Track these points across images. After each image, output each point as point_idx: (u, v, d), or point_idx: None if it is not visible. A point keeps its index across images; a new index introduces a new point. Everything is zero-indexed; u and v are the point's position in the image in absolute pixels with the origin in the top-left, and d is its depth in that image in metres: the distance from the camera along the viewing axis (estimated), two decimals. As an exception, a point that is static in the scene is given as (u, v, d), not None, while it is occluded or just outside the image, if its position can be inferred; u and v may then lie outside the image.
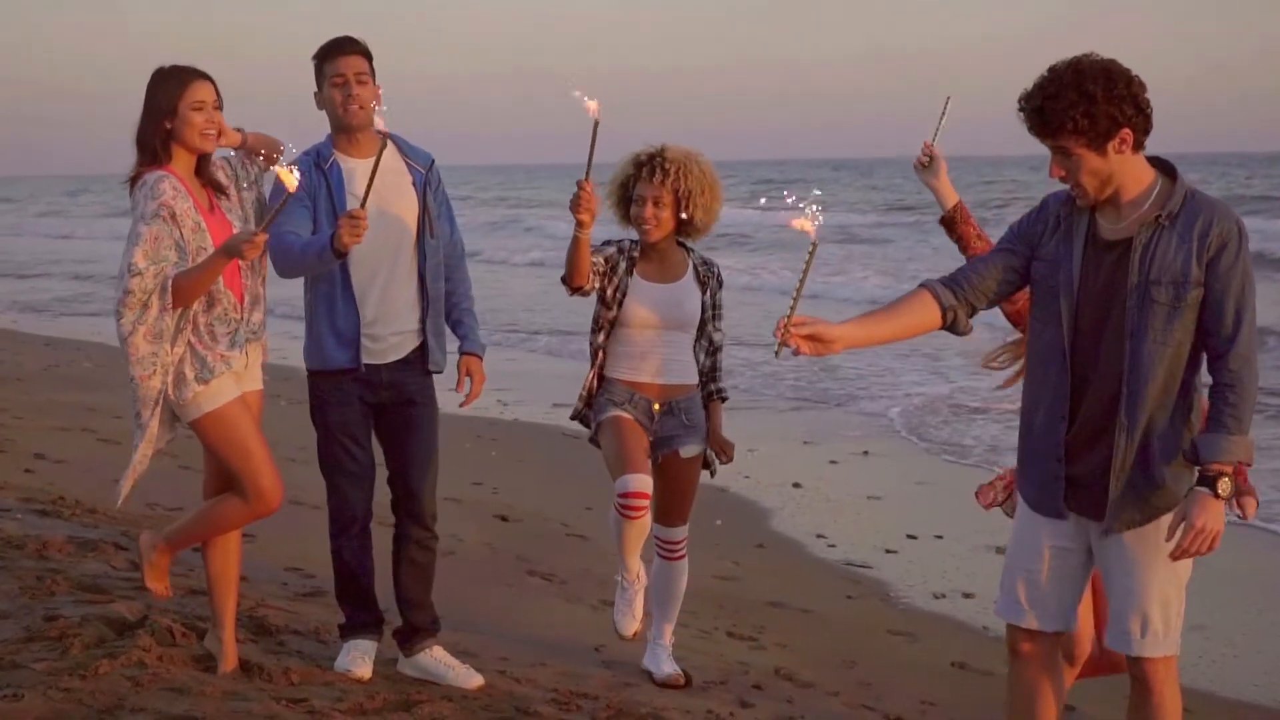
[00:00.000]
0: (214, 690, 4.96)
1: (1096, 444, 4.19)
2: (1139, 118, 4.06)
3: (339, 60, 5.38)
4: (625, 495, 5.63)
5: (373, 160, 5.35)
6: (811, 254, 4.01)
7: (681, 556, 6.07)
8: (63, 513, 7.64)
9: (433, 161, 5.60)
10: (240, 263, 5.09)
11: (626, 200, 5.90)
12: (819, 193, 4.06)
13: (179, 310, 4.97)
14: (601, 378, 5.91)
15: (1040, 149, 4.18)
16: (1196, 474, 4.08)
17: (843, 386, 15.14)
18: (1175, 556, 4.07)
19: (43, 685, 4.78)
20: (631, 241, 5.89)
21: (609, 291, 5.81)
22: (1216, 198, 4.18)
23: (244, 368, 5.16)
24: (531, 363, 17.81)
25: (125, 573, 6.41)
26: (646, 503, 5.66)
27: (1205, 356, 4.14)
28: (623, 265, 5.82)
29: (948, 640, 7.21)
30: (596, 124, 5.09)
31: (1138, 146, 4.10)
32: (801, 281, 4.04)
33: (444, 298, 5.63)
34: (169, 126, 5.01)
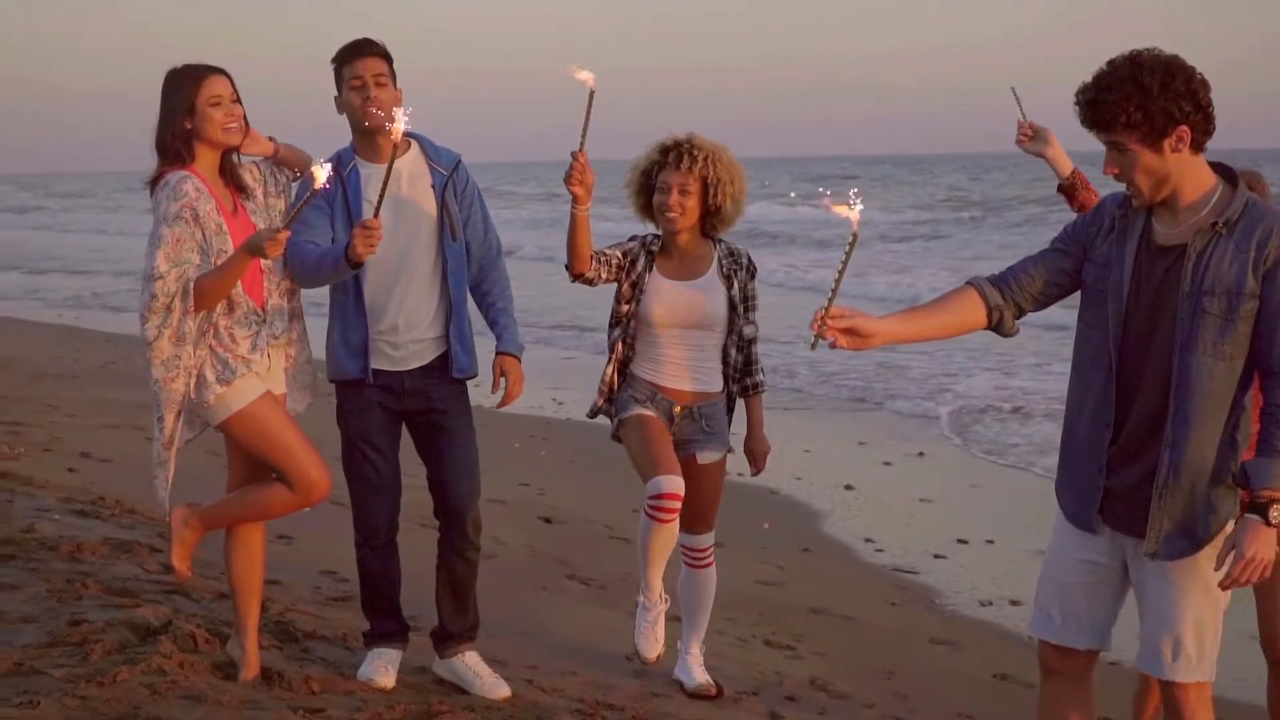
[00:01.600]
0: (231, 699, 4.90)
1: (1139, 457, 4.03)
2: (1198, 116, 3.87)
3: (357, 63, 5.28)
4: (657, 497, 5.52)
5: (399, 161, 5.30)
6: (852, 244, 3.85)
7: (709, 564, 5.90)
8: (101, 513, 7.63)
9: (458, 162, 5.49)
10: (262, 268, 5.03)
11: (648, 189, 5.71)
12: (856, 189, 3.92)
13: (201, 313, 4.90)
14: (624, 372, 5.79)
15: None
16: (1239, 498, 3.91)
17: (901, 386, 14.95)
18: (1225, 586, 3.91)
19: (60, 692, 4.75)
20: (654, 236, 5.74)
21: (624, 286, 5.66)
22: (1275, 208, 3.98)
23: (266, 370, 5.08)
24: (590, 361, 17.71)
25: (156, 575, 6.39)
26: (678, 505, 5.53)
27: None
28: (642, 260, 5.66)
29: (991, 650, 7.06)
30: (592, 93, 4.94)
31: (1197, 147, 3.92)
32: (840, 273, 3.89)
33: (475, 300, 5.54)
34: (189, 125, 4.94)
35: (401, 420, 5.50)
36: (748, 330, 5.76)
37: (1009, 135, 5.35)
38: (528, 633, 6.43)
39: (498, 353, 5.48)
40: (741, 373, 5.82)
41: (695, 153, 5.58)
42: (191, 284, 4.84)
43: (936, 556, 8.85)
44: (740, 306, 5.71)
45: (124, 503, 7.94)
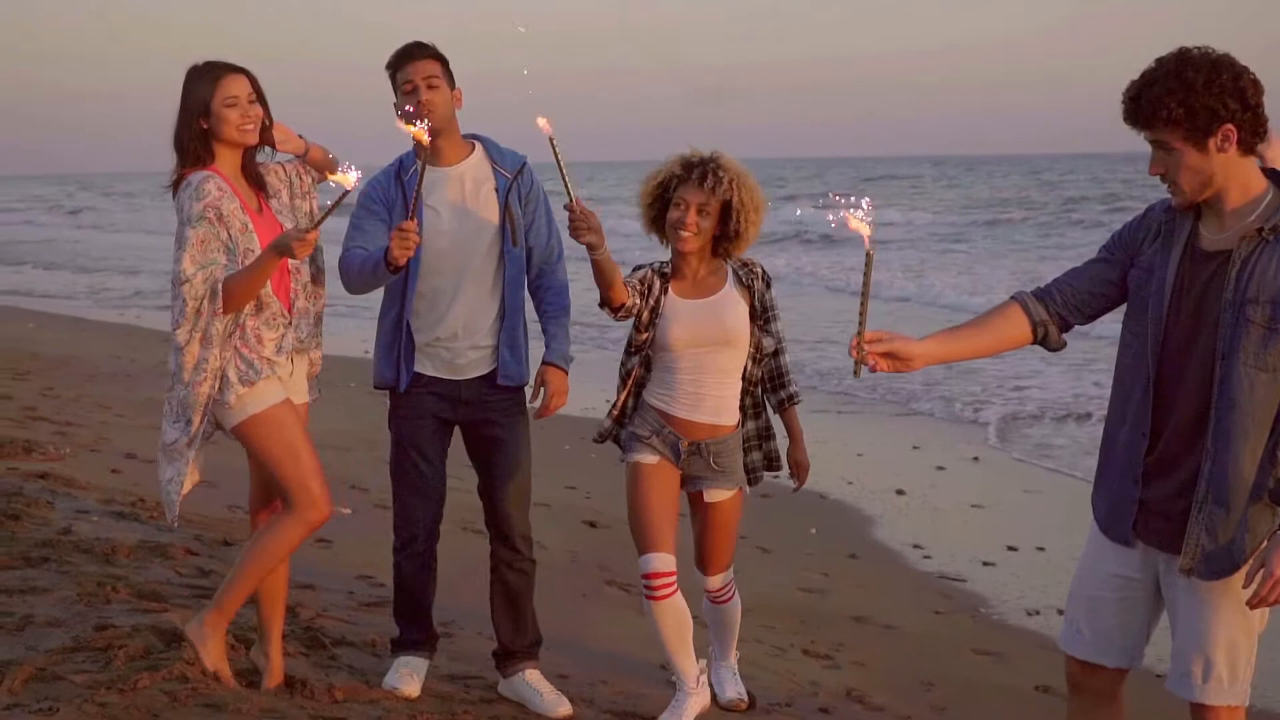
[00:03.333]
0: (251, 708, 4.85)
1: (1175, 470, 3.89)
2: (1245, 115, 3.71)
3: (408, 67, 5.24)
4: (646, 576, 5.30)
5: (458, 167, 5.28)
6: (868, 264, 3.79)
7: (729, 599, 5.73)
8: (140, 515, 7.62)
9: (523, 164, 5.41)
10: (290, 271, 4.98)
11: (663, 202, 5.38)
12: (867, 200, 3.83)
13: (230, 314, 4.83)
14: (638, 398, 5.46)
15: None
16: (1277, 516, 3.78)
17: (958, 389, 14.71)
18: (1253, 605, 3.77)
19: (79, 699, 4.72)
20: (662, 261, 5.46)
21: (644, 314, 5.32)
22: None
23: (289, 375, 5.02)
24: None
25: (190, 579, 6.38)
26: (672, 579, 5.28)
27: None
28: (658, 285, 5.33)
29: (1035, 661, 6.89)
30: (551, 139, 4.78)
31: (1247, 149, 3.77)
32: (864, 295, 3.86)
33: (534, 304, 5.47)
34: (205, 126, 4.87)
35: (453, 427, 5.45)
36: (766, 343, 5.48)
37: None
38: (562, 640, 6.34)
39: (543, 362, 5.42)
40: (774, 386, 5.61)
41: (721, 174, 5.25)
42: (220, 285, 4.77)
43: (985, 564, 8.70)
44: (761, 319, 5.45)
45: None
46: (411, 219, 4.90)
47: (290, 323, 4.99)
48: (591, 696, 5.63)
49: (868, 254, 3.76)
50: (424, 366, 5.37)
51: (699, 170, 5.28)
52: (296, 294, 5.03)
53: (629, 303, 5.23)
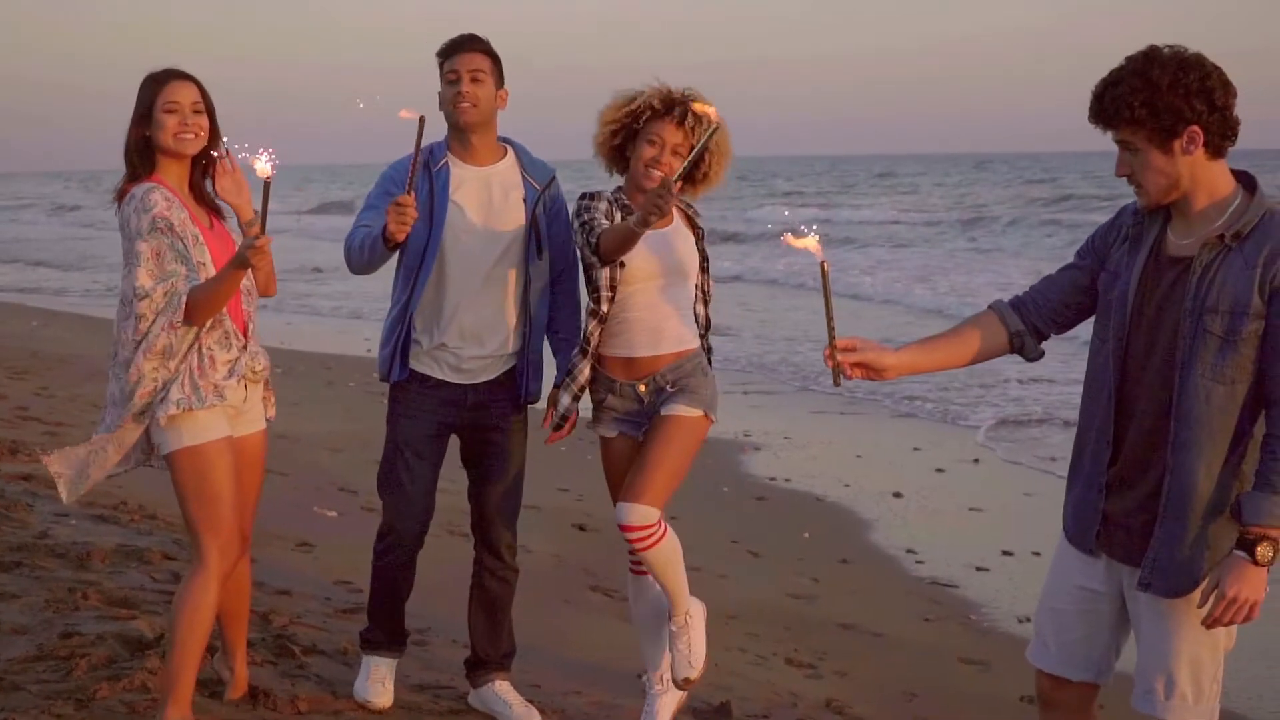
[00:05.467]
0: (211, 719, 4.77)
1: (1138, 482, 3.81)
2: (1212, 116, 3.61)
3: (457, 57, 5.08)
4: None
5: (489, 169, 5.16)
6: (824, 276, 3.79)
7: (659, 539, 4.93)
8: (120, 519, 7.55)
9: (553, 177, 5.28)
10: (243, 291, 4.73)
11: (628, 132, 5.07)
12: (814, 215, 3.81)
13: (191, 329, 4.56)
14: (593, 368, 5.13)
15: None
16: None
17: (961, 390, 14.60)
18: (1208, 625, 3.68)
19: (36, 710, 4.67)
20: (616, 189, 5.11)
21: None
22: None
23: (241, 401, 4.75)
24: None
25: (164, 584, 6.30)
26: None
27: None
28: (619, 218, 4.95)
29: (1022, 671, 6.66)
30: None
31: (1214, 151, 3.67)
32: (827, 305, 3.83)
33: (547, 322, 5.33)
34: (147, 133, 4.63)
35: (452, 432, 5.33)
36: (710, 284, 5.25)
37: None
38: (539, 647, 6.26)
39: (555, 385, 5.24)
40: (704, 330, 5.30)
41: (699, 115, 4.93)
42: (183, 297, 4.49)
43: (979, 569, 8.59)
44: (704, 262, 5.20)
45: (146, 508, 7.85)
46: (409, 194, 4.75)
47: (245, 346, 4.74)
48: (563, 707, 5.55)
49: (822, 266, 3.76)
50: (430, 369, 5.21)
51: (680, 109, 4.99)
52: (250, 316, 4.79)
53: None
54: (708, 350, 5.25)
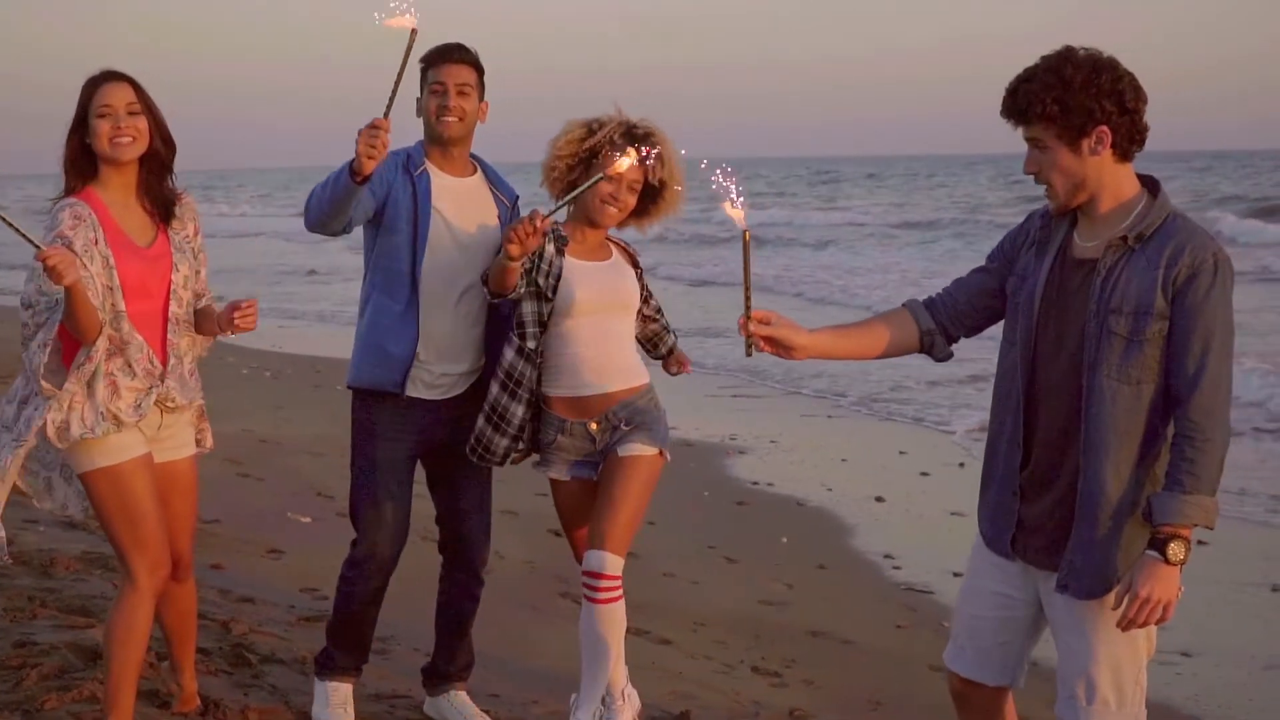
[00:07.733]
0: (157, 732, 4.75)
1: (1050, 485, 3.85)
2: (1122, 119, 3.67)
3: (443, 68, 5.00)
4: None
5: (466, 181, 5.10)
6: (745, 244, 3.84)
7: (612, 599, 4.87)
8: (90, 525, 7.49)
9: (517, 199, 5.25)
10: (169, 315, 4.52)
11: (585, 165, 4.94)
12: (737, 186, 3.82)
13: (100, 352, 4.34)
14: (535, 409, 5.04)
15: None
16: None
17: (948, 394, 14.57)
18: (1122, 628, 3.68)
19: (-19, 721, 4.63)
20: (555, 222, 4.94)
21: (541, 281, 4.86)
22: (1200, 226, 3.74)
23: (156, 428, 4.56)
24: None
25: (124, 593, 6.26)
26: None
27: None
28: (550, 248, 4.88)
29: (991, 679, 6.75)
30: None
31: (1121, 154, 3.73)
32: (746, 275, 3.86)
33: None
34: (87, 141, 4.45)
35: (424, 450, 5.18)
36: (654, 302, 5.24)
37: None
38: (502, 655, 6.25)
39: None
40: (659, 341, 5.35)
41: (654, 145, 4.85)
42: (56, 320, 4.28)
43: (956, 575, 8.52)
44: (645, 294, 5.17)
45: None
46: (386, 117, 4.48)
47: (162, 375, 4.52)
48: (522, 716, 5.52)
49: (744, 236, 3.80)
50: (412, 389, 5.04)
51: (643, 144, 4.82)
52: (174, 345, 4.56)
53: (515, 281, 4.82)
54: (674, 333, 5.37)
